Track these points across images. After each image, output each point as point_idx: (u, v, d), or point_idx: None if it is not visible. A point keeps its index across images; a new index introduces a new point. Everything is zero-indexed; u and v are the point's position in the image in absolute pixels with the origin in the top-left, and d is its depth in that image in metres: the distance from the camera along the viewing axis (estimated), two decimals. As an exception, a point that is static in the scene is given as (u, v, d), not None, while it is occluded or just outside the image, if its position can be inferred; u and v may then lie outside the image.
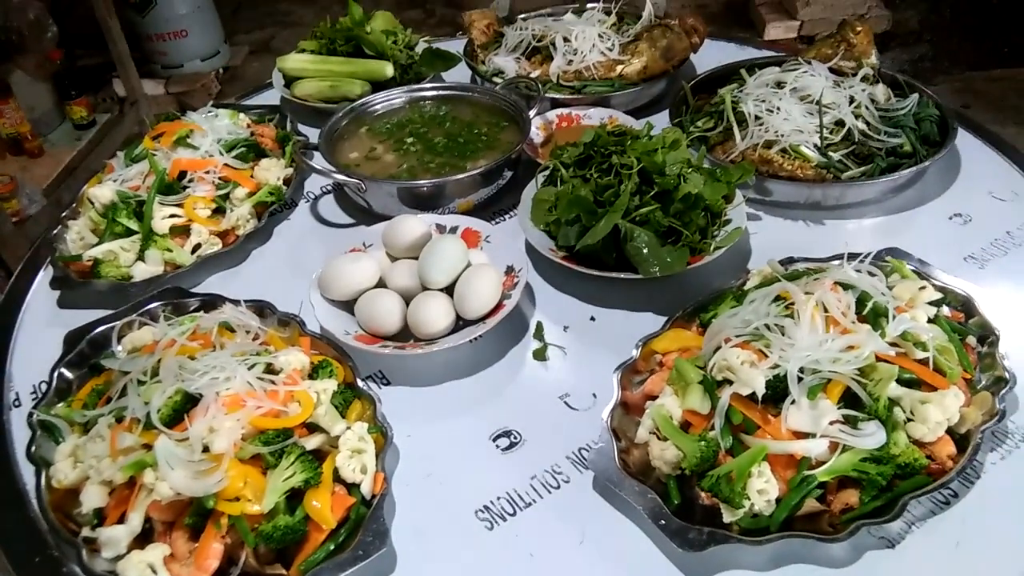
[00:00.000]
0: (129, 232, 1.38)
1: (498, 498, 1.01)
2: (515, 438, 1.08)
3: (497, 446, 1.08)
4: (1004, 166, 1.49)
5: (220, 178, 1.45)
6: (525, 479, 1.03)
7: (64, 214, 1.47)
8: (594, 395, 1.12)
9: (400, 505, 1.01)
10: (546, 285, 1.32)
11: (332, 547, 0.92)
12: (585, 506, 0.99)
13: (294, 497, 0.94)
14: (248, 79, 4.60)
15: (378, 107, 1.67)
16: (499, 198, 1.51)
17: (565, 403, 1.13)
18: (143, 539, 0.93)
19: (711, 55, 1.81)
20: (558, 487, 1.02)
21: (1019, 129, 3.69)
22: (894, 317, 1.00)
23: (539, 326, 1.24)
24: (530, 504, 1.00)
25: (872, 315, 1.01)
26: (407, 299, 1.21)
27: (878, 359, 0.96)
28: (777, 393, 0.94)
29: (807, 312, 0.99)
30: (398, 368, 1.19)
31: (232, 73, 4.67)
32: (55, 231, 1.44)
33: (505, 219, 1.48)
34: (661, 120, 1.60)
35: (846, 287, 1.04)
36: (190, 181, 1.44)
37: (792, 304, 1.02)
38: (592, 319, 1.26)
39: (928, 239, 1.32)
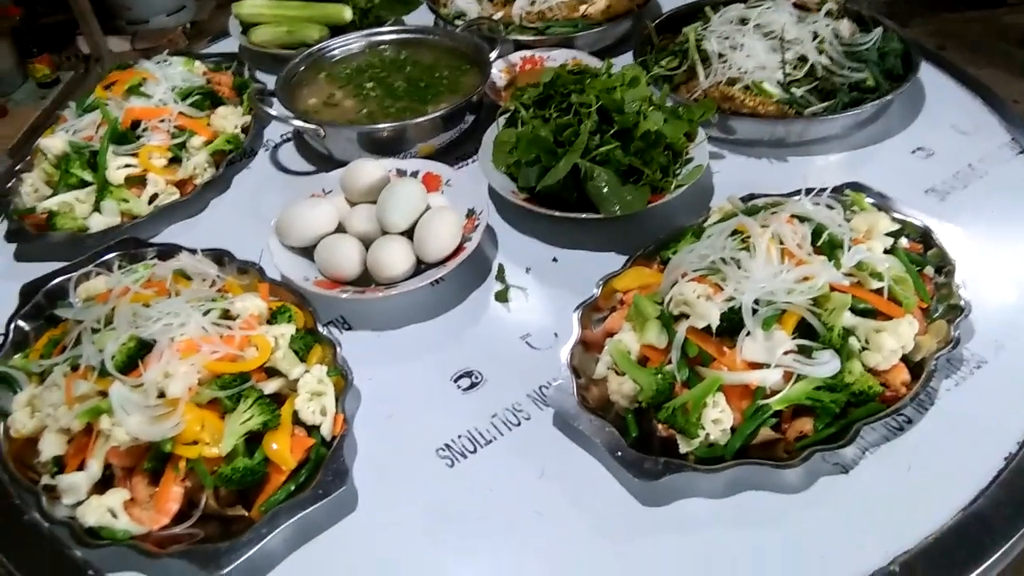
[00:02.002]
0: (84, 183, 1.36)
1: (459, 436, 1.02)
2: (476, 378, 1.09)
3: (458, 386, 1.08)
4: (967, 99, 1.48)
5: (175, 127, 1.43)
6: (486, 417, 1.03)
7: (18, 167, 1.45)
8: (555, 334, 1.12)
9: (361, 446, 1.02)
10: (508, 228, 1.32)
11: (293, 487, 0.93)
12: (545, 442, 1.00)
13: (254, 440, 0.94)
14: (216, 33, 4.49)
15: (336, 52, 1.63)
16: (461, 142, 1.49)
17: (526, 343, 1.13)
18: (104, 485, 0.93)
19: (677, -7, 1.78)
20: (519, 424, 1.03)
21: (994, 70, 3.68)
22: (850, 248, 1.01)
23: (501, 268, 1.24)
24: (490, 441, 1.01)
25: (827, 246, 1.01)
26: (367, 244, 1.20)
27: (832, 289, 0.96)
28: (733, 325, 0.94)
29: (762, 244, 0.99)
30: (359, 313, 1.19)
31: (199, 28, 4.56)
32: (9, 184, 1.41)
33: (468, 163, 1.46)
34: (626, 61, 1.57)
35: (802, 219, 1.04)
36: (144, 130, 1.41)
37: (749, 238, 1.01)
38: (554, 260, 1.26)
39: (890, 173, 1.32)
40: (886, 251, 1.05)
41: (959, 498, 0.89)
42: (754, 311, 0.94)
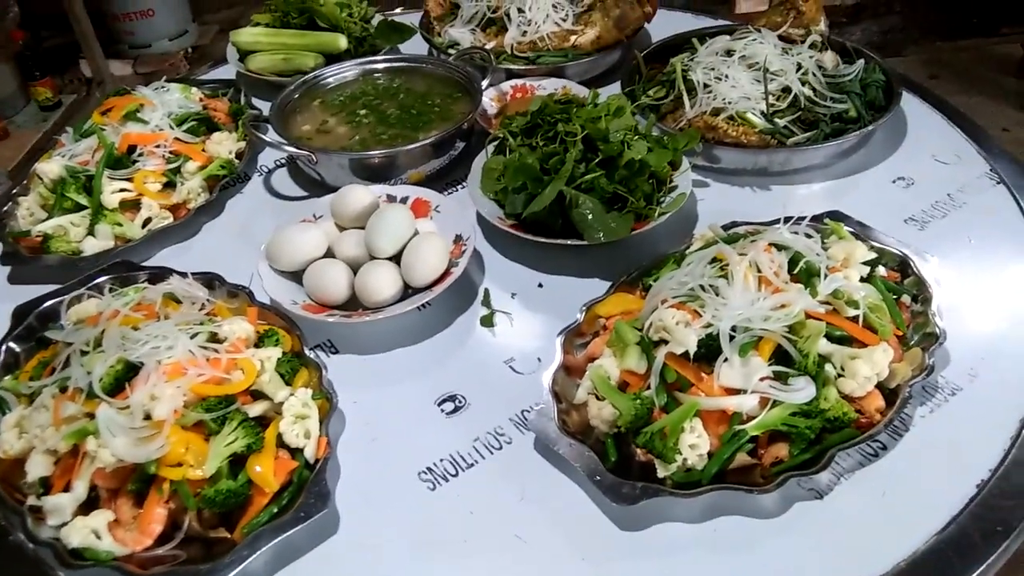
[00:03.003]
0: (79, 207, 1.38)
1: (441, 460, 1.03)
2: (460, 402, 1.10)
3: (442, 410, 1.09)
4: (948, 130, 1.51)
5: (171, 152, 1.45)
6: (468, 441, 1.05)
7: (15, 190, 1.47)
8: (539, 359, 1.14)
9: (345, 468, 1.03)
10: (495, 253, 1.34)
11: (275, 510, 0.94)
12: (526, 466, 1.01)
13: (238, 462, 0.96)
14: (217, 58, 4.54)
15: (331, 80, 1.67)
16: (452, 169, 1.52)
17: (510, 368, 1.14)
18: (89, 506, 0.94)
19: (666, 25, 1.82)
20: (500, 448, 1.04)
21: (985, 99, 3.72)
22: (826, 276, 1.02)
23: (487, 293, 1.26)
24: (472, 465, 1.02)
25: (804, 274, 1.03)
26: (355, 268, 1.22)
27: (808, 317, 0.98)
28: (711, 351, 0.96)
29: (740, 272, 1.00)
30: (346, 336, 1.21)
31: (201, 52, 4.62)
32: (5, 208, 1.43)
33: (458, 189, 1.49)
34: (615, 90, 1.61)
35: (780, 248, 1.06)
36: (140, 155, 1.44)
37: (727, 265, 1.03)
38: (540, 286, 1.27)
39: (871, 202, 1.35)
40: (863, 279, 1.07)
41: (932, 524, 0.91)
42: (731, 337, 0.96)
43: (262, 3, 1.96)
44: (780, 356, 0.97)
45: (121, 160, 1.42)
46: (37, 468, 0.96)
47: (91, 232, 1.37)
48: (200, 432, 0.95)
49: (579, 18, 1.73)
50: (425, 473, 1.01)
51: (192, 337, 1.01)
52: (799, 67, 1.48)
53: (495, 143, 1.41)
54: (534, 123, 1.35)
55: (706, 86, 1.48)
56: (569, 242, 1.24)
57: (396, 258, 1.22)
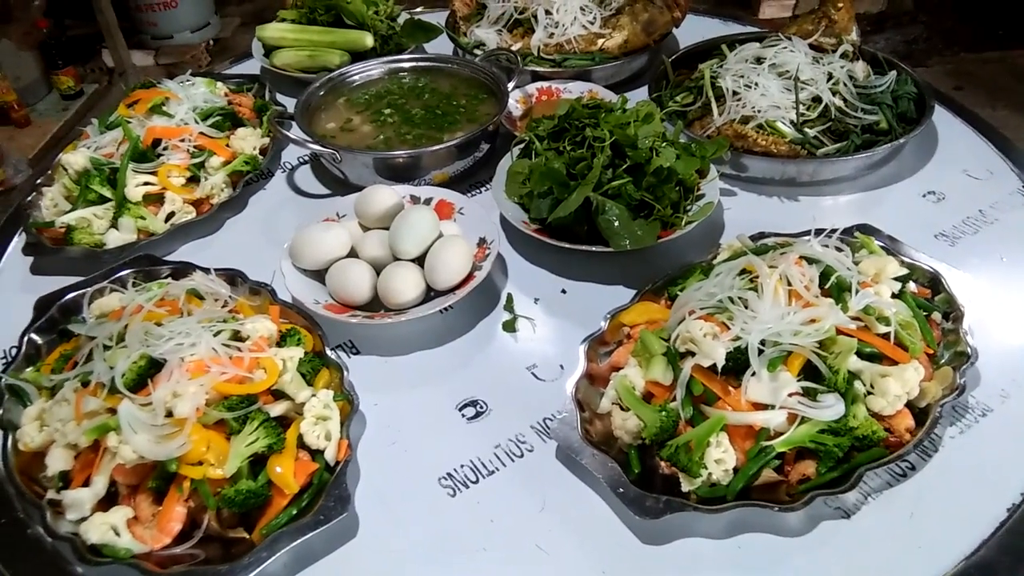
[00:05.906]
0: (102, 199, 1.38)
1: (461, 466, 1.02)
2: (481, 407, 1.09)
3: (463, 415, 1.08)
4: (980, 145, 1.49)
5: (195, 146, 1.45)
6: (489, 448, 1.04)
7: (39, 181, 1.47)
8: (561, 366, 1.13)
9: (364, 472, 1.02)
10: (519, 257, 1.33)
11: (294, 512, 0.93)
12: (547, 475, 1.00)
13: (258, 462, 0.95)
14: (239, 51, 4.54)
15: (356, 78, 1.66)
16: (476, 171, 1.51)
17: (532, 374, 1.13)
18: (108, 502, 0.93)
19: (694, 30, 1.81)
20: (521, 456, 1.03)
21: (1010, 111, 3.68)
22: (857, 291, 1.01)
23: (509, 298, 1.25)
24: (493, 472, 1.01)
25: (835, 289, 1.01)
26: (378, 269, 1.21)
27: (839, 332, 0.96)
28: (739, 365, 0.95)
29: (770, 285, 0.99)
30: (368, 337, 1.20)
31: (223, 45, 4.63)
32: (29, 198, 1.43)
33: (481, 192, 1.48)
34: (641, 95, 1.60)
35: (811, 261, 1.05)
36: (164, 149, 1.44)
37: (757, 277, 1.02)
38: (563, 292, 1.26)
39: (901, 216, 1.33)
40: (894, 295, 1.06)
41: (961, 547, 0.89)
42: (760, 351, 0.94)
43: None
44: (809, 372, 0.95)
45: (146, 153, 1.42)
46: (57, 462, 0.96)
47: (114, 225, 1.37)
48: (221, 431, 0.95)
49: (607, 21, 1.72)
50: (445, 479, 1.01)
51: (215, 335, 1.01)
52: (830, 77, 1.47)
53: (521, 146, 1.40)
54: (561, 127, 1.34)
55: (735, 93, 1.46)
56: (594, 248, 1.23)
57: (419, 260, 1.21)
